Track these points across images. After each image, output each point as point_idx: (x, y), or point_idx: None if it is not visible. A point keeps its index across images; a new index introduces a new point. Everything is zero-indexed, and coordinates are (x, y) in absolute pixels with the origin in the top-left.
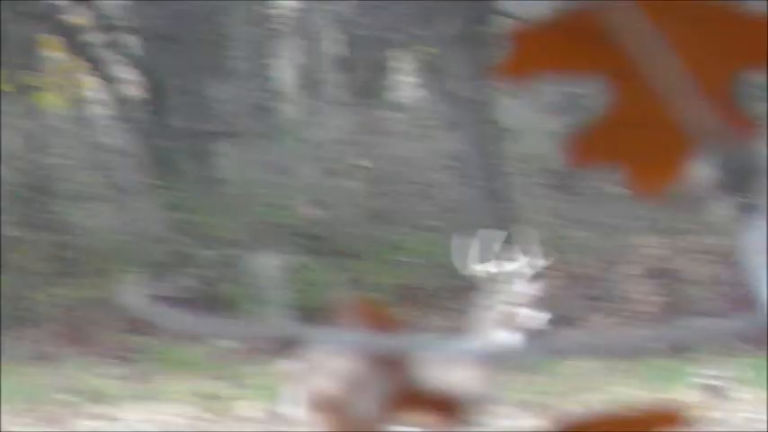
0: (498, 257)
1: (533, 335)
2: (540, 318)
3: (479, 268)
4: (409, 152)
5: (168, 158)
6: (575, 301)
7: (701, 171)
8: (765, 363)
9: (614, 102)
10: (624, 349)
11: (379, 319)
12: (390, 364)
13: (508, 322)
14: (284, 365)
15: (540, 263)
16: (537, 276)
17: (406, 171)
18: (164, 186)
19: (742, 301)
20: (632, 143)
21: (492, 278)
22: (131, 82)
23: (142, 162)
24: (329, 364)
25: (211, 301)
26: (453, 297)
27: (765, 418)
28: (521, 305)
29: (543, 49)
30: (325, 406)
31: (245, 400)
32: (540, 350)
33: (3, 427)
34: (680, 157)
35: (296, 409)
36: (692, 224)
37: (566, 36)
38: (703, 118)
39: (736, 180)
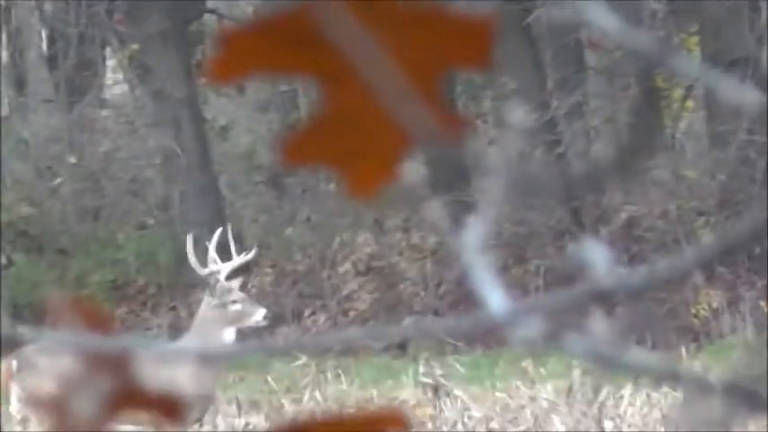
0: (213, 255)
1: (251, 332)
2: (256, 314)
3: (200, 266)
4: (118, 149)
5: None
6: (288, 298)
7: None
8: (480, 360)
9: (327, 101)
10: (341, 347)
11: (94, 318)
12: (108, 363)
13: (226, 320)
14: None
15: (253, 260)
16: (250, 273)
17: (115, 168)
18: None
19: (456, 298)
20: (346, 142)
21: (209, 276)
22: None
23: None
24: (44, 363)
25: None
26: (167, 294)
27: (480, 414)
28: (237, 302)
29: (253, 50)
30: (42, 405)
31: None
32: (257, 349)
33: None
34: (394, 156)
35: (18, 408)
36: (404, 222)
37: (276, 36)
38: (416, 117)
39: (449, 178)
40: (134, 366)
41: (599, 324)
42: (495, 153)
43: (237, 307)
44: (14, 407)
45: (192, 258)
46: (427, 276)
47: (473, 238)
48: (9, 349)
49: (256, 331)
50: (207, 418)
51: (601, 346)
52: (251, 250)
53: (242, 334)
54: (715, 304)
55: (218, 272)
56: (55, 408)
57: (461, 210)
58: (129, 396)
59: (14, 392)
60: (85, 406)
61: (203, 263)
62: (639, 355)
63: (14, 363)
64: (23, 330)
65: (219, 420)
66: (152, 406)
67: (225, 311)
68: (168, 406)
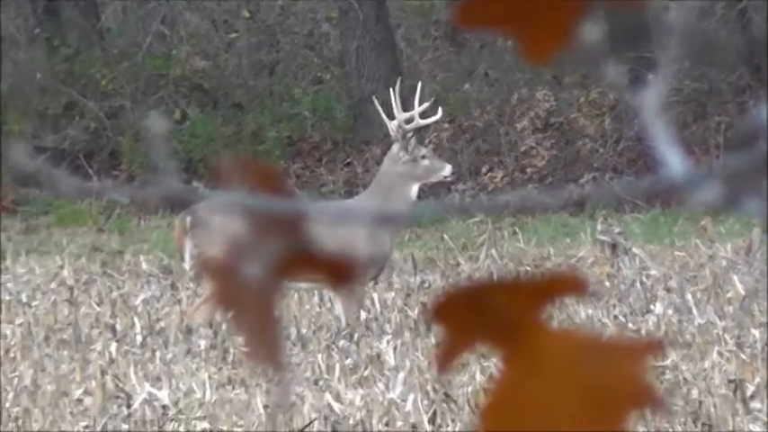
0: (395, 110)
1: (434, 189)
2: (444, 170)
3: (390, 121)
4: (294, 3)
5: (52, 7)
6: (465, 154)
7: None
8: (659, 218)
9: None
10: (524, 207)
11: (267, 177)
12: (280, 224)
13: (413, 175)
14: (174, 221)
15: (433, 116)
16: (428, 129)
17: (291, 22)
18: (48, 37)
19: (635, 155)
20: (521, 5)
21: (395, 131)
22: None
23: (25, 11)
24: (217, 222)
25: (98, 153)
26: (342, 150)
27: (658, 273)
28: (426, 157)
29: None
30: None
31: (137, 255)
32: (435, 208)
33: None
34: (570, 18)
35: (191, 265)
36: (582, 77)
37: None
38: None
39: (629, 36)
40: (307, 227)
41: None
42: (676, 9)
43: (426, 162)
44: (188, 263)
45: (380, 111)
46: (606, 133)
47: (653, 95)
48: (183, 205)
49: (433, 188)
50: (382, 276)
51: None
52: (430, 106)
53: (419, 190)
54: None
55: (402, 127)
56: (225, 269)
57: (641, 66)
58: (301, 258)
59: (188, 249)
60: (256, 268)
61: (389, 116)
62: None
63: (188, 219)
64: (197, 186)
65: (395, 278)
66: (325, 268)
67: (414, 166)
68: (341, 268)
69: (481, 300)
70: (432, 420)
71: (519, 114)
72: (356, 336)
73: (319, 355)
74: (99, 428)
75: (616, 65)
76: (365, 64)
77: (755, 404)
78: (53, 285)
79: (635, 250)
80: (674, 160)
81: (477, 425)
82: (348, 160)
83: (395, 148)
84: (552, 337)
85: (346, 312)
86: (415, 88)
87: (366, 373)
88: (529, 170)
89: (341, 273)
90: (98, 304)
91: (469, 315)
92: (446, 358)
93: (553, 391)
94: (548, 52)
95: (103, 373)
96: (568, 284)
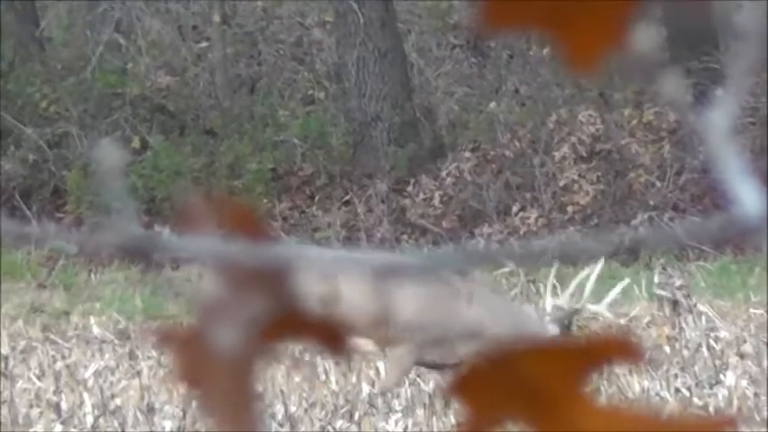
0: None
1: (453, 232)
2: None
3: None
4: (279, 4)
5: None
6: (492, 190)
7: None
8: (730, 267)
9: None
10: (557, 252)
11: (247, 220)
12: (261, 280)
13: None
14: (133, 273)
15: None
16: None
17: (275, 28)
18: None
19: (700, 190)
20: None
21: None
22: None
23: None
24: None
25: (38, 191)
26: (340, 185)
27: (730, 335)
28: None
29: None
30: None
31: (86, 316)
32: (453, 256)
33: None
34: (623, 14)
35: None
36: (635, 95)
37: None
38: None
39: (693, 42)
40: (293, 282)
41: None
42: (750, 9)
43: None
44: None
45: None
46: (665, 163)
47: (722, 115)
48: (143, 255)
49: (451, 231)
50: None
51: None
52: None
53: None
54: None
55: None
56: (190, 334)
57: (707, 80)
58: (286, 322)
59: None
60: (230, 335)
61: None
62: None
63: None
64: (161, 231)
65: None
66: (313, 333)
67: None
68: (332, 333)
69: (511, 369)
70: None
71: (558, 141)
72: (357, 414)
73: None
74: None
75: (676, 78)
76: (367, 79)
77: None
78: None
79: (701, 307)
80: (748, 196)
81: None
82: (346, 198)
83: None
84: (598, 414)
85: (385, 379)
86: (430, 110)
87: None
88: (570, 209)
89: (330, 338)
90: (39, 377)
91: (496, 388)
92: None
93: None
94: (594, 61)
95: None
96: (618, 349)
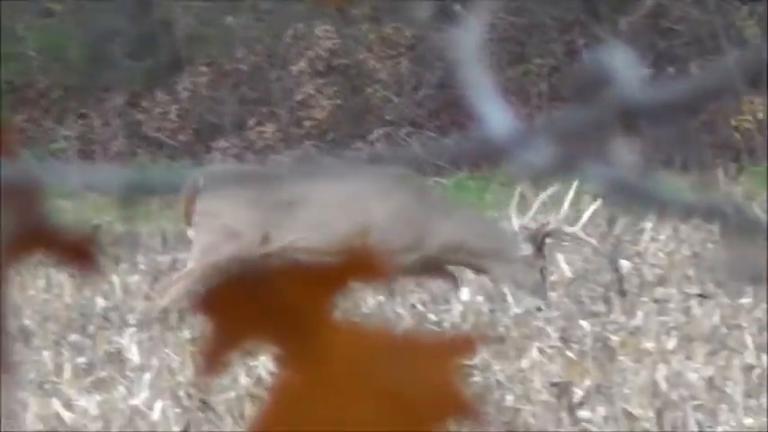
0: None
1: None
2: None
3: None
4: None
5: None
6: (228, 104)
7: None
8: (466, 182)
9: None
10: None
11: None
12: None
13: None
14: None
15: (184, 55)
16: (180, 70)
17: None
18: None
19: (438, 106)
20: None
21: None
22: None
23: None
24: (229, 188)
25: None
26: (76, 98)
27: None
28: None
29: None
30: None
31: None
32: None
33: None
34: None
35: None
36: (373, 9)
37: None
38: None
39: None
40: (42, 197)
41: (619, 145)
42: None
43: None
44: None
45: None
46: (402, 78)
47: (463, 31)
48: None
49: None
50: (126, 256)
51: (621, 171)
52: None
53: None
54: (761, 115)
55: None
56: None
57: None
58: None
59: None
60: None
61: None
62: (667, 179)
63: (201, 180)
64: None
65: (140, 258)
66: (64, 249)
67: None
68: (80, 247)
69: (262, 289)
70: None
71: (294, 55)
72: (91, 328)
73: (46, 353)
74: None
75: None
76: None
77: (584, 413)
78: None
79: None
80: (492, 112)
81: None
82: (83, 110)
83: None
84: (341, 332)
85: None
86: (167, 23)
87: (103, 374)
88: (307, 123)
89: (80, 254)
90: None
91: (245, 307)
92: (212, 356)
93: (342, 397)
94: None
95: None
96: (363, 269)
